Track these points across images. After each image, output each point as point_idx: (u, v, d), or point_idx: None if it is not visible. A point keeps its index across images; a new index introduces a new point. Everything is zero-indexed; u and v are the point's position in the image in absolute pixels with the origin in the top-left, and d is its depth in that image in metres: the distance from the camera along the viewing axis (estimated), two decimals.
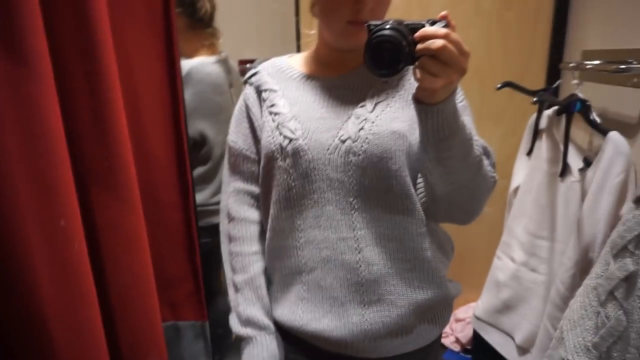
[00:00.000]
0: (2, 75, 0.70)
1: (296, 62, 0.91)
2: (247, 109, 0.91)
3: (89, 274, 0.87)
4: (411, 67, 0.63)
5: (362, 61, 0.80)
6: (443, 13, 0.63)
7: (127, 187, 0.95)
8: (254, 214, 0.93)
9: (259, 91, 0.89)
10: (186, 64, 1.29)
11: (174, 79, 1.06)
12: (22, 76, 0.72)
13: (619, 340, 0.70)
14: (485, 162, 0.75)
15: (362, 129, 0.77)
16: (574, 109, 1.06)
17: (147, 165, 1.07)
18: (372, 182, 0.77)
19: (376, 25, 0.62)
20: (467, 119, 0.77)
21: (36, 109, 0.74)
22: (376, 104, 0.80)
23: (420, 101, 0.65)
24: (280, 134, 0.82)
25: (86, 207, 0.89)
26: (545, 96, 1.16)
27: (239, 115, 0.93)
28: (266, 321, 0.87)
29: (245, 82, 0.93)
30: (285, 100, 0.85)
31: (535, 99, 1.12)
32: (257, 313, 0.87)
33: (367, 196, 0.78)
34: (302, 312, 0.82)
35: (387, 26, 0.61)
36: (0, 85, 0.70)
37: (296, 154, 0.80)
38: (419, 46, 0.60)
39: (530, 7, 1.37)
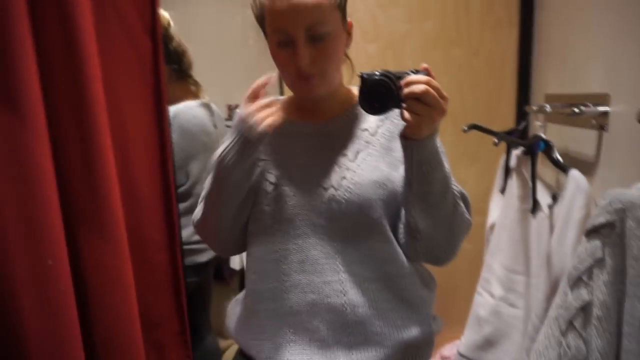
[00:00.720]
0: None
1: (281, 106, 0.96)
2: None
3: (74, 314, 0.89)
4: (392, 114, 0.74)
5: (341, 108, 0.90)
6: (424, 65, 0.73)
7: (114, 227, 0.99)
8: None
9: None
10: (173, 108, 1.37)
11: (161, 123, 1.11)
12: (16, 125, 0.78)
13: None
14: (462, 204, 0.81)
15: (344, 177, 0.82)
16: (538, 148, 1.13)
17: (134, 206, 1.10)
18: (354, 229, 0.82)
19: (368, 74, 0.73)
20: (445, 163, 0.83)
21: (29, 156, 0.80)
22: (357, 153, 0.85)
23: (407, 138, 0.73)
24: (266, 179, 0.85)
25: (73, 247, 0.93)
26: (507, 137, 1.23)
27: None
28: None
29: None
30: (269, 146, 0.89)
31: (495, 140, 1.19)
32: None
33: (350, 241, 0.82)
34: (289, 354, 0.83)
35: (378, 74, 0.72)
36: None
37: (280, 199, 0.83)
38: (406, 90, 0.69)
39: (497, 54, 1.47)
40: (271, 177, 0.85)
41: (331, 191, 0.82)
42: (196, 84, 1.45)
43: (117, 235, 1.00)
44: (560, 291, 0.80)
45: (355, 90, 0.91)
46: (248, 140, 0.77)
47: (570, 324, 0.75)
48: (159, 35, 1.10)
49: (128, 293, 1.02)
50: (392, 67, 1.51)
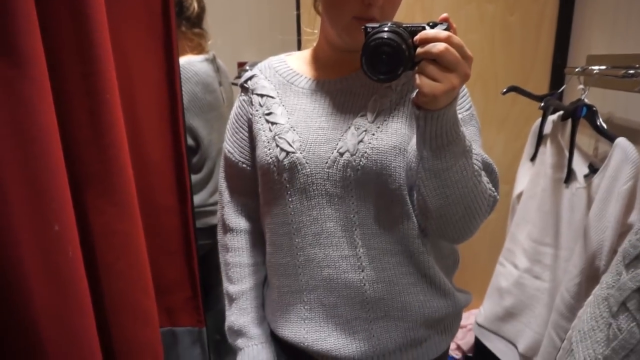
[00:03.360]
0: None
1: (295, 63, 0.86)
2: (243, 116, 0.87)
3: (84, 281, 0.84)
4: (410, 72, 0.60)
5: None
6: (444, 15, 0.61)
7: (124, 191, 0.93)
8: (251, 225, 0.90)
9: (255, 95, 0.85)
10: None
11: (172, 81, 1.03)
12: (16, 76, 0.70)
13: (632, 353, 0.67)
14: (485, 178, 0.71)
15: (361, 141, 0.73)
16: (580, 114, 1.04)
17: (144, 169, 1.04)
18: (372, 199, 0.74)
19: (373, 28, 0.60)
20: (472, 129, 0.75)
21: (30, 111, 0.72)
22: (377, 114, 0.75)
23: (419, 107, 0.61)
24: (277, 145, 0.77)
25: (80, 212, 0.87)
26: (552, 101, 1.14)
27: (235, 124, 0.88)
28: (256, 331, 0.85)
29: (241, 86, 0.89)
30: (283, 108, 0.81)
31: (542, 104, 1.10)
32: (248, 324, 0.86)
33: (368, 212, 0.75)
34: (305, 332, 0.79)
35: (385, 28, 0.59)
36: None
37: (293, 167, 0.76)
38: (419, 50, 0.57)
39: (534, 12, 1.36)
40: (284, 144, 0.77)
41: (346, 156, 0.73)
42: (203, 36, 1.34)
43: (127, 199, 0.94)
44: (613, 270, 0.74)
45: None
46: None
47: (623, 305, 0.70)
48: None
49: (139, 259, 0.98)
50: (419, 21, 1.40)
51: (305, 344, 0.79)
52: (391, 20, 0.71)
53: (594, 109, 1.04)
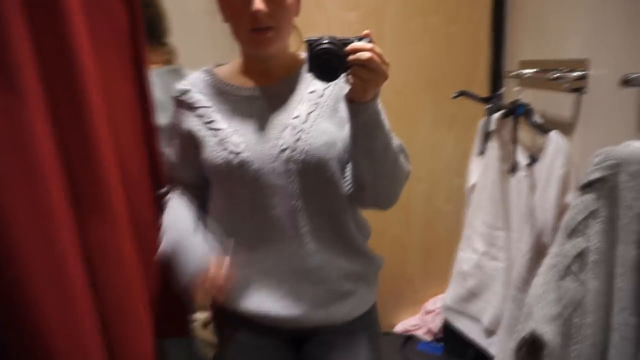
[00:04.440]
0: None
1: (224, 74, 0.96)
2: (179, 124, 0.97)
3: (87, 296, 0.88)
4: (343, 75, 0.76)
5: (285, 71, 0.94)
6: (366, 32, 0.76)
7: (113, 209, 0.97)
8: (190, 200, 1.00)
9: (191, 108, 0.95)
10: None
11: (144, 96, 1.08)
12: (18, 106, 0.74)
13: (578, 307, 0.81)
14: (401, 156, 0.90)
15: (298, 139, 0.87)
16: (519, 112, 1.20)
17: (126, 186, 1.08)
18: (311, 186, 0.89)
19: (315, 40, 0.74)
20: (386, 121, 0.90)
21: (32, 137, 0.76)
22: (308, 114, 0.90)
23: (352, 100, 0.78)
24: (225, 149, 0.89)
25: (77, 229, 0.90)
26: (495, 103, 1.30)
27: (172, 130, 1.00)
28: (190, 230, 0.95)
29: (176, 99, 0.99)
30: (220, 114, 0.92)
31: (489, 106, 1.25)
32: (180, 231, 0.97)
33: (307, 198, 0.89)
34: (263, 300, 0.93)
35: (325, 41, 0.73)
36: None
37: (243, 166, 0.88)
38: (351, 57, 0.72)
39: (472, 22, 1.52)
40: (231, 146, 0.89)
41: (287, 152, 0.87)
42: (170, 51, 1.39)
43: (117, 216, 0.98)
44: (558, 241, 0.88)
45: (299, 55, 0.94)
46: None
47: (567, 269, 0.83)
48: (137, 5, 1.05)
49: (130, 272, 1.02)
50: (374, 35, 1.52)
51: (261, 307, 0.93)
52: (287, 23, 0.86)
53: (530, 107, 1.20)
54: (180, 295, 1.21)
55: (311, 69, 0.76)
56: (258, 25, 0.83)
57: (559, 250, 0.86)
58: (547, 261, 0.90)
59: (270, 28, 0.84)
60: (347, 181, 0.92)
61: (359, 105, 0.77)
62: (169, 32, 1.37)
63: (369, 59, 0.71)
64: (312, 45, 0.74)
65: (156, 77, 1.34)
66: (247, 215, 0.91)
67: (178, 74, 1.43)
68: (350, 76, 0.74)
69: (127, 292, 1.00)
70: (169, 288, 1.21)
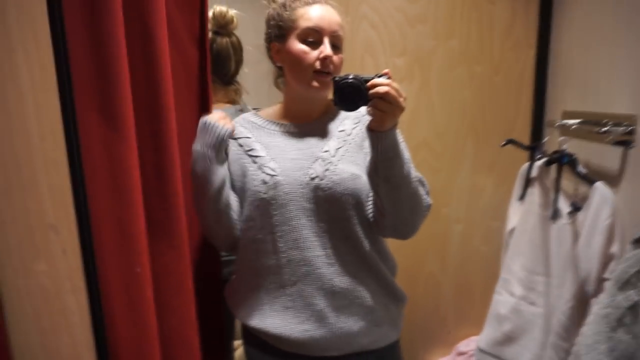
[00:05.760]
0: (99, 138, 0.79)
1: (265, 114, 1.11)
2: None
3: (154, 318, 0.93)
4: (363, 111, 0.88)
5: (318, 114, 1.07)
6: (385, 70, 0.87)
7: (180, 234, 1.04)
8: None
9: (234, 139, 1.07)
10: None
11: None
12: (116, 139, 0.82)
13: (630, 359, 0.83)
14: (421, 188, 0.99)
15: (327, 170, 0.98)
16: (563, 161, 1.24)
17: (188, 214, 1.14)
18: (336, 212, 0.98)
19: (340, 78, 0.87)
20: (406, 153, 0.98)
21: (125, 167, 0.84)
22: (337, 149, 1.01)
23: (372, 130, 0.88)
24: (263, 172, 1.00)
25: (149, 254, 0.96)
26: (541, 152, 1.35)
27: None
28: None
29: None
30: (260, 144, 1.05)
31: (539, 155, 1.31)
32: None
33: (333, 222, 0.98)
34: (289, 318, 0.99)
35: (350, 77, 0.86)
36: (96, 146, 0.79)
37: (276, 187, 0.98)
38: (371, 91, 0.84)
39: (515, 72, 1.59)
40: (268, 170, 1.00)
41: (317, 181, 0.97)
42: (237, 90, 1.48)
43: (182, 242, 1.05)
44: (608, 292, 0.90)
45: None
46: (213, 145, 0.97)
47: (619, 321, 0.85)
48: (206, 45, 1.15)
49: (189, 297, 1.07)
50: (419, 82, 1.59)
51: (287, 328, 0.99)
52: (339, 71, 1.01)
53: (574, 157, 1.24)
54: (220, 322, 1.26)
55: (335, 101, 0.87)
56: (324, 69, 0.97)
57: (609, 302, 0.88)
58: (597, 311, 0.92)
59: (329, 74, 0.98)
60: (369, 209, 1.00)
61: (379, 134, 0.87)
62: (237, 73, 1.46)
63: (386, 93, 0.82)
64: (337, 81, 0.87)
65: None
66: (278, 236, 0.99)
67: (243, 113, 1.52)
68: (370, 108, 0.85)
69: (185, 316, 1.05)
70: (212, 316, 1.26)
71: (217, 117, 1.00)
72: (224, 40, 1.42)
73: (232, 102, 1.49)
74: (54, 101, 0.57)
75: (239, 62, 1.46)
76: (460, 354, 1.73)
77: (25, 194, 0.56)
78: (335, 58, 0.99)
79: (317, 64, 0.97)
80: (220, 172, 1.00)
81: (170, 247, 1.02)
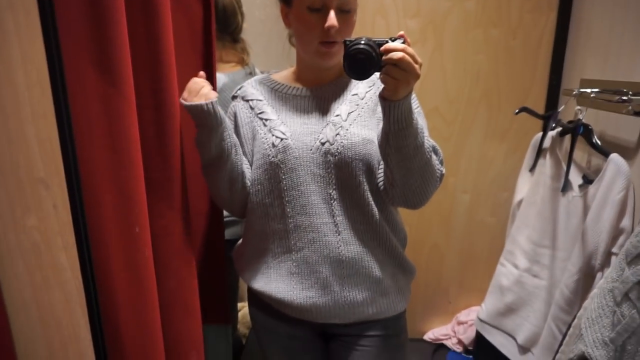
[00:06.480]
0: (96, 93, 0.76)
1: (278, 77, 1.07)
2: (235, 119, 1.06)
3: (154, 279, 0.93)
4: (377, 76, 0.80)
5: (332, 77, 1.01)
6: (400, 33, 0.80)
7: (180, 196, 1.02)
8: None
9: (245, 100, 1.04)
10: (220, 79, 1.36)
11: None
12: (113, 94, 0.79)
13: (633, 335, 0.81)
14: (434, 157, 0.93)
15: (338, 134, 0.94)
16: (578, 132, 1.19)
17: (189, 176, 1.13)
18: (346, 178, 0.94)
19: (351, 41, 0.79)
20: (421, 122, 0.93)
21: (122, 124, 0.81)
22: (349, 114, 0.97)
23: (385, 98, 0.81)
24: (273, 135, 0.97)
25: (149, 215, 0.95)
26: (558, 121, 1.30)
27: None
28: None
29: (233, 97, 1.09)
30: (271, 107, 1.01)
31: (553, 125, 1.26)
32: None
33: (343, 188, 0.95)
34: (294, 284, 0.98)
35: (362, 41, 0.78)
36: (93, 102, 0.76)
37: (285, 150, 0.95)
38: (384, 57, 0.76)
39: (533, 37, 1.51)
40: (278, 133, 0.97)
41: (327, 145, 0.94)
42: (245, 49, 1.43)
43: (183, 204, 1.03)
44: (616, 266, 0.87)
45: None
46: (205, 117, 0.93)
47: (625, 296, 0.83)
48: (211, 3, 1.09)
49: (190, 258, 1.07)
50: (432, 45, 1.52)
51: (291, 294, 0.98)
52: (349, 36, 0.92)
53: (590, 127, 1.19)
54: (223, 284, 1.26)
55: (346, 68, 0.80)
56: (328, 39, 0.91)
57: (617, 276, 0.86)
58: (603, 285, 0.90)
59: (336, 42, 0.92)
60: (380, 178, 0.96)
61: (391, 103, 0.80)
62: (241, 29, 1.41)
63: (400, 59, 0.75)
64: (348, 45, 0.79)
65: (230, 80, 1.39)
66: (286, 201, 0.96)
67: (252, 76, 1.47)
68: (383, 75, 0.78)
69: (183, 278, 1.05)
70: (215, 277, 1.27)
71: (194, 92, 0.94)
72: None
73: (242, 62, 1.45)
74: (40, 49, 0.54)
75: (242, 15, 1.40)
76: (461, 323, 1.74)
77: (13, 147, 0.54)
78: (343, 25, 0.91)
79: (322, 34, 0.91)
80: (223, 137, 0.96)
81: (170, 208, 1.00)
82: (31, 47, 0.52)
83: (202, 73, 0.99)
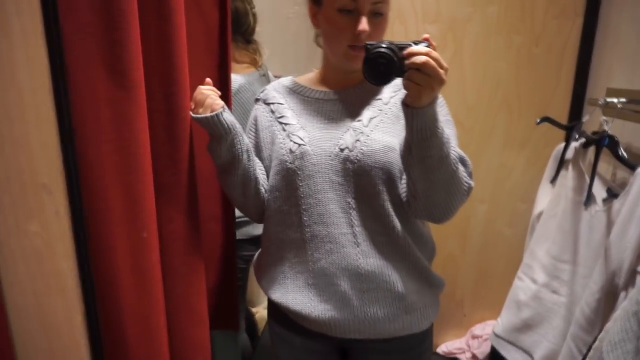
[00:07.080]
0: (105, 97, 0.76)
1: (301, 80, 1.04)
2: (255, 123, 1.04)
3: (160, 284, 0.92)
4: (400, 82, 0.76)
5: (357, 80, 0.96)
6: (425, 35, 0.75)
7: (190, 201, 1.01)
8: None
9: (266, 104, 1.02)
10: (236, 80, 1.35)
11: (225, 95, 1.11)
12: (123, 98, 0.78)
13: None
14: (461, 168, 0.86)
15: (358, 140, 0.90)
16: (603, 143, 1.14)
17: (198, 180, 1.12)
18: (365, 186, 0.89)
19: (372, 45, 0.75)
20: (449, 131, 0.88)
21: (131, 128, 0.81)
22: (370, 119, 0.92)
23: (407, 105, 0.77)
24: (291, 140, 0.94)
25: (158, 220, 0.95)
26: (582, 132, 1.25)
27: (248, 127, 1.07)
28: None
29: (256, 99, 1.07)
30: (291, 111, 0.98)
31: (577, 135, 1.21)
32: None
33: (362, 198, 0.90)
34: (312, 296, 0.93)
35: (383, 45, 0.74)
36: (102, 106, 0.76)
37: (303, 157, 0.92)
38: (407, 61, 0.72)
39: (557, 45, 1.46)
40: (296, 139, 0.93)
41: (346, 152, 0.90)
42: (257, 50, 1.42)
43: (193, 209, 1.02)
44: (638, 287, 0.83)
45: None
46: (211, 128, 0.91)
47: None
48: (227, 8, 1.09)
49: (199, 263, 1.06)
50: (451, 51, 1.49)
51: (309, 305, 0.92)
52: (380, 38, 0.88)
53: (616, 139, 1.14)
54: (233, 290, 1.25)
55: (365, 72, 0.76)
56: (359, 43, 0.87)
57: None
58: (627, 307, 0.85)
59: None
60: (402, 188, 0.91)
61: (414, 111, 0.76)
62: (254, 30, 1.40)
63: (424, 63, 0.70)
64: (369, 49, 0.75)
65: (246, 81, 1.38)
66: (303, 209, 0.92)
67: (267, 79, 1.47)
68: (405, 80, 0.74)
69: (191, 283, 1.04)
70: (225, 282, 1.26)
71: (199, 103, 0.93)
72: None
73: (254, 62, 1.44)
74: (43, 53, 0.53)
75: (255, 16, 1.40)
76: (475, 337, 1.69)
77: (18, 151, 0.53)
78: (374, 29, 0.88)
79: (352, 38, 0.88)
80: (234, 144, 0.94)
81: (179, 212, 1.00)
82: (36, 51, 0.52)
83: (208, 80, 0.97)
